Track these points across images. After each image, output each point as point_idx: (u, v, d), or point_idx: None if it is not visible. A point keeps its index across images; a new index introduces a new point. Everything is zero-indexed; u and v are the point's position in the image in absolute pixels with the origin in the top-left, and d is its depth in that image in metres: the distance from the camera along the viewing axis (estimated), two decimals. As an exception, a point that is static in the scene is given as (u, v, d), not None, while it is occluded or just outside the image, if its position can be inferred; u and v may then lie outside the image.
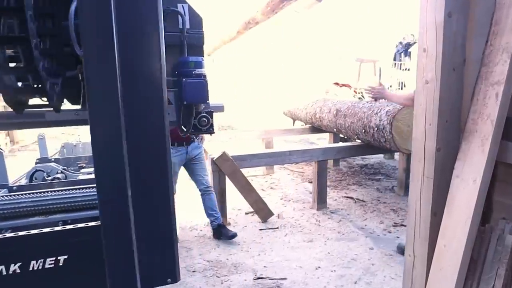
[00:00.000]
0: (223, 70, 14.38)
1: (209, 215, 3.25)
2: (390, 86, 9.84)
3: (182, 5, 1.49)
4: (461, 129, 1.55)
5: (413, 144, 1.69)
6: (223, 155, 3.37)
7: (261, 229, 3.43)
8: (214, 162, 3.37)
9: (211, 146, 5.49)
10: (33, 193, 1.51)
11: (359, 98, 11.37)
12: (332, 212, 3.84)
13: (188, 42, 1.42)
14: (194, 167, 3.19)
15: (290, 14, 5.43)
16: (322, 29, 14.09)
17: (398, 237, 3.20)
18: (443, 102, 1.52)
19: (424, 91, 1.57)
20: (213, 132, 1.44)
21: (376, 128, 3.44)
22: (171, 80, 1.36)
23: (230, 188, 3.55)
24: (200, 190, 3.25)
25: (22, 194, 1.51)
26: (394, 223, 3.50)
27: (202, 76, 1.33)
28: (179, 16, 1.40)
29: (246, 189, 3.53)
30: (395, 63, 9.91)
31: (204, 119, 1.40)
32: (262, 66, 13.46)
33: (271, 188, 4.83)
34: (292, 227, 3.50)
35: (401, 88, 9.79)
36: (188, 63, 1.32)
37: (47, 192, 1.55)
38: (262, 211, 3.62)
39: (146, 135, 1.09)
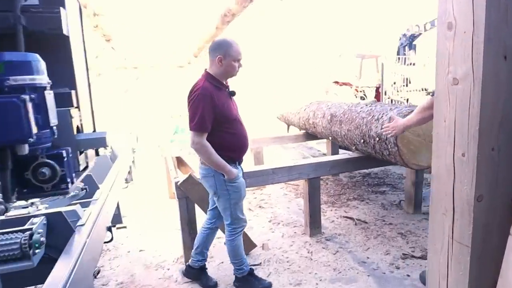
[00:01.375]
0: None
1: (202, 253, 2.63)
2: (394, 83, 9.12)
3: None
4: (519, 163, 0.90)
5: (433, 185, 1.03)
6: (190, 179, 2.74)
7: (239, 268, 2.78)
8: (179, 187, 2.74)
9: (185, 164, 4.86)
10: None
11: (361, 98, 10.69)
12: (327, 240, 3.18)
13: (30, 27, 0.79)
14: None
15: (275, 4, 4.81)
16: (319, 24, 13.42)
17: (408, 276, 2.54)
18: (488, 116, 0.86)
19: (452, 98, 0.92)
20: (67, 193, 0.81)
21: (377, 138, 2.78)
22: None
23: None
24: (213, 223, 2.62)
25: None
26: (403, 254, 2.83)
27: (27, 91, 0.68)
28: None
29: (221, 218, 2.88)
30: (399, 58, 9.20)
31: (44, 170, 0.75)
32: (255, 66, 12.82)
33: (260, 207, 4.18)
34: (278, 262, 2.84)
35: (406, 85, 9.06)
36: (-6, 65, 0.68)
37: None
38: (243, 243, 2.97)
39: None
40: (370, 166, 3.75)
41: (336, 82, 11.41)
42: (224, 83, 2.26)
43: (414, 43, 9.27)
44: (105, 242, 2.75)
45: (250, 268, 2.51)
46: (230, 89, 2.32)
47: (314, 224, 3.24)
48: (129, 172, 5.62)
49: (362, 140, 3.04)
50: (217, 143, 2.15)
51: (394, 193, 4.37)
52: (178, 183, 2.72)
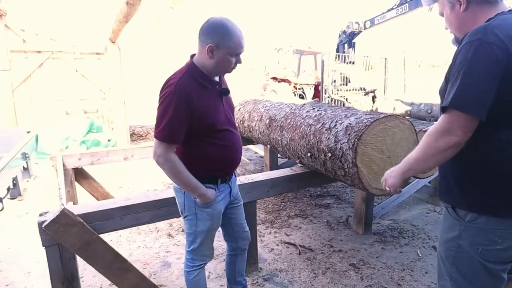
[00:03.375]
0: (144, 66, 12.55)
1: (235, 282, 2.12)
2: (334, 81, 8.83)
3: None
4: None
5: None
6: (62, 217, 1.81)
7: None
8: (44, 231, 1.80)
9: (88, 178, 3.84)
10: None
11: (300, 96, 10.32)
12: (266, 280, 2.49)
13: None
14: (234, 212, 1.93)
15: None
16: (257, 16, 12.80)
17: (371, 337, 1.95)
18: None
19: None
20: None
21: (329, 154, 2.13)
22: None
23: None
24: (236, 249, 2.05)
25: None
26: (361, 300, 2.25)
27: None
28: None
29: (117, 269, 2.01)
30: (338, 55, 8.92)
31: None
32: (184, 57, 11.77)
33: (183, 231, 3.34)
34: (200, 324, 2.07)
35: (346, 84, 8.83)
36: None
37: None
38: (150, 297, 2.14)
39: None
40: (319, 183, 3.14)
41: (274, 78, 10.91)
42: (215, 79, 1.66)
43: (353, 41, 9.07)
44: None
45: None
46: (223, 86, 1.72)
47: (248, 260, 2.52)
48: (14, 186, 4.38)
49: (309, 154, 2.39)
50: (195, 155, 1.63)
51: (340, 206, 3.85)
52: (43, 225, 1.79)
